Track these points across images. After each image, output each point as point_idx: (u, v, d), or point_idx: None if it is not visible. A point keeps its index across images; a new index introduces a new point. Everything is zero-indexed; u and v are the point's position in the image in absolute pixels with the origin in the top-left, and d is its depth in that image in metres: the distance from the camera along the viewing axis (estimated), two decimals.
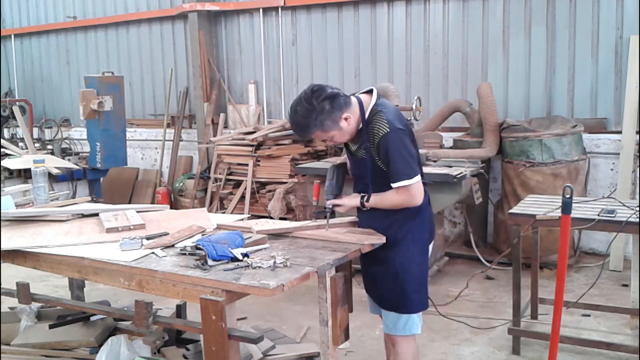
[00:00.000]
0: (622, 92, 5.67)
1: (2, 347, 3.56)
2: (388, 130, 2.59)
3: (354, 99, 2.70)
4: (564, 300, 3.02)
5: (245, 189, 6.60)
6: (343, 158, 2.99)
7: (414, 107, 5.39)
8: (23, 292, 3.28)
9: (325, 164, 5.51)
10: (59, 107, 9.87)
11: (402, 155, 2.60)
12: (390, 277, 2.74)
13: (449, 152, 5.53)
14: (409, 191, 2.63)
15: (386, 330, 2.87)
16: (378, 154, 2.65)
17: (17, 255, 2.94)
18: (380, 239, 2.74)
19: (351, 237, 2.76)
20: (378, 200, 2.73)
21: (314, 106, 2.59)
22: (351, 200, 2.83)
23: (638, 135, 5.43)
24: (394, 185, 2.64)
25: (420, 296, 2.78)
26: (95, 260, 2.68)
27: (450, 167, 4.97)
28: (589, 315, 4.30)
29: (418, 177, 2.65)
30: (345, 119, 2.64)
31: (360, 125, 2.69)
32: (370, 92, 2.75)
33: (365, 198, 2.76)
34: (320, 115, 2.59)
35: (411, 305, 2.76)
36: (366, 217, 2.86)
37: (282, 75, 7.63)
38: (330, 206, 2.85)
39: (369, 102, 2.70)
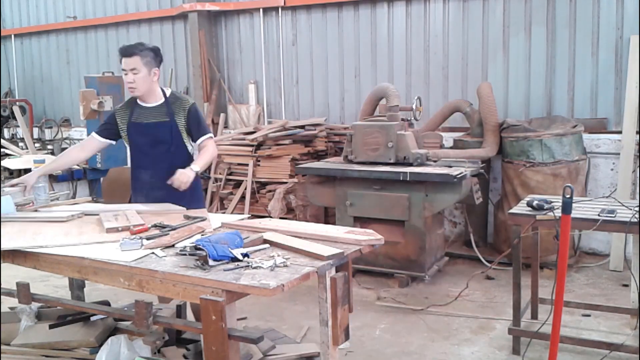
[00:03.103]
0: (622, 92, 5.67)
1: (2, 347, 3.56)
2: (192, 101, 3.70)
3: None
4: (564, 300, 3.02)
5: (245, 189, 6.60)
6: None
7: (414, 107, 5.40)
8: (23, 292, 3.28)
9: (325, 164, 5.52)
10: (59, 107, 9.87)
11: (204, 119, 3.77)
12: None
13: (449, 152, 5.53)
14: (214, 142, 3.70)
15: None
16: (187, 120, 3.61)
17: (17, 255, 2.94)
18: (378, 240, 2.75)
19: (350, 237, 2.76)
20: (202, 161, 3.60)
21: (145, 45, 3.58)
22: (186, 174, 3.46)
23: (638, 135, 5.44)
24: (205, 137, 3.65)
25: None
26: (95, 260, 2.68)
27: (451, 167, 4.97)
28: (589, 315, 4.30)
29: None
30: (155, 74, 3.57)
31: (162, 100, 3.64)
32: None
33: (195, 167, 3.53)
34: (147, 51, 3.52)
35: None
36: (167, 196, 3.59)
37: (282, 75, 7.63)
38: None
39: (167, 90, 3.71)
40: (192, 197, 3.65)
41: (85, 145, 3.87)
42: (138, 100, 3.65)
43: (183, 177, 3.42)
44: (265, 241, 2.82)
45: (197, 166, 3.52)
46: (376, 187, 5.04)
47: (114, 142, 3.86)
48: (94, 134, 3.81)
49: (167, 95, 3.66)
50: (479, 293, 4.93)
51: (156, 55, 3.56)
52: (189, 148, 3.67)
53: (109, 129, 3.77)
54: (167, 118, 3.61)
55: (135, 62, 3.47)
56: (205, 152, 3.64)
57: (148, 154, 3.62)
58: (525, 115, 6.15)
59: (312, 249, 2.62)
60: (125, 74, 3.51)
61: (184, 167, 3.49)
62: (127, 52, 3.48)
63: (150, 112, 3.64)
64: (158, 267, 2.50)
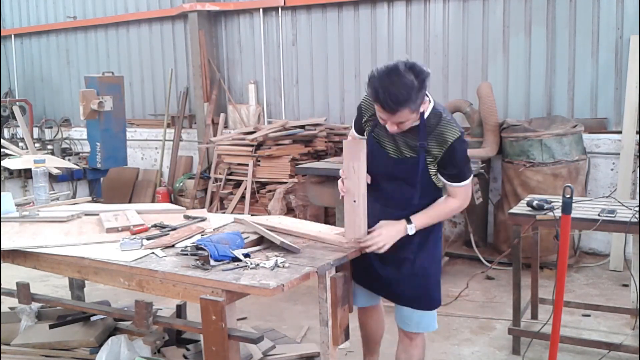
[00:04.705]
0: (622, 92, 5.67)
1: (2, 347, 3.56)
2: (460, 134, 2.55)
3: None
4: (564, 300, 3.02)
5: (245, 189, 6.60)
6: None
7: None
8: (23, 292, 3.28)
9: (326, 163, 5.51)
10: (59, 107, 9.87)
11: (468, 159, 2.66)
12: (414, 277, 2.74)
13: None
14: (467, 190, 2.66)
15: (407, 329, 2.84)
16: (441, 156, 2.56)
17: (17, 255, 2.94)
18: None
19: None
20: (427, 217, 2.61)
21: (414, 82, 2.37)
22: (392, 228, 2.58)
23: (638, 135, 5.44)
24: (458, 185, 2.63)
25: (439, 294, 2.86)
26: (95, 260, 2.68)
27: None
28: (589, 315, 4.30)
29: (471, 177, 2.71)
30: (422, 104, 2.49)
31: (416, 123, 2.55)
32: None
33: (411, 224, 2.57)
34: (419, 93, 2.40)
35: (433, 302, 2.81)
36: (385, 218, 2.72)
37: (282, 75, 7.63)
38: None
39: (426, 104, 2.57)
40: (423, 243, 2.73)
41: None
42: None
43: (382, 237, 2.57)
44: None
45: (412, 227, 2.59)
46: None
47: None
48: (353, 131, 2.88)
49: (426, 114, 2.56)
50: (479, 293, 4.93)
51: (421, 87, 2.43)
52: (438, 185, 2.70)
53: (360, 131, 2.83)
54: (414, 151, 2.60)
55: (404, 115, 2.43)
56: (442, 203, 2.67)
57: (380, 186, 2.69)
58: (525, 115, 6.15)
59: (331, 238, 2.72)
60: (383, 121, 2.51)
61: (417, 209, 2.65)
62: (390, 108, 2.38)
63: (399, 136, 2.60)
64: (158, 267, 2.50)
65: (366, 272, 2.85)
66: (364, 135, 2.81)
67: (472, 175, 2.69)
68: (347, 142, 2.68)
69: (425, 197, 2.67)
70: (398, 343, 2.96)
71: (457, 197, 2.66)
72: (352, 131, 2.90)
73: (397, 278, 2.75)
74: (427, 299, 2.79)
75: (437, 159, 2.57)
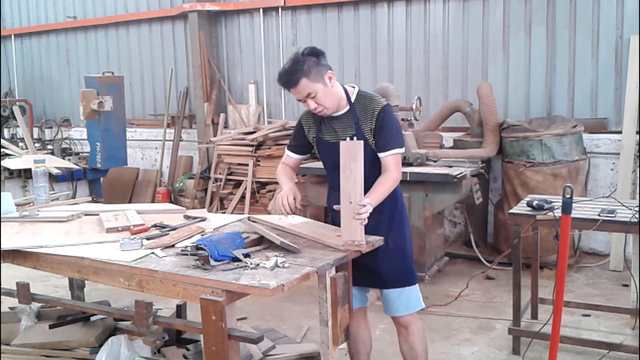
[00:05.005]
0: (622, 92, 5.67)
1: (2, 347, 3.56)
2: (385, 102, 2.84)
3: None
4: (564, 300, 3.02)
5: (245, 189, 6.60)
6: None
7: (414, 107, 5.39)
8: (23, 292, 3.28)
9: None
10: (59, 107, 9.87)
11: (397, 126, 2.86)
12: (391, 256, 2.89)
13: (449, 152, 5.53)
14: (397, 160, 2.82)
15: (398, 313, 2.96)
16: (374, 127, 2.79)
17: (17, 255, 2.94)
18: (379, 241, 2.76)
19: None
20: (378, 194, 2.74)
21: (300, 58, 2.74)
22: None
23: (638, 135, 5.44)
24: (389, 152, 2.80)
25: (414, 268, 3.01)
26: (95, 260, 2.68)
27: (450, 167, 4.96)
28: (589, 315, 4.30)
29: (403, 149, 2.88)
30: (330, 78, 2.79)
31: (347, 108, 2.85)
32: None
33: (366, 200, 2.64)
34: (307, 63, 2.72)
35: (414, 277, 2.97)
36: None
37: None
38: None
39: (352, 90, 2.91)
40: (392, 221, 2.90)
41: (286, 163, 3.14)
42: None
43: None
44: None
45: (368, 200, 2.63)
46: None
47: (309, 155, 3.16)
48: (287, 151, 3.12)
49: (353, 98, 2.85)
50: (479, 293, 4.93)
51: (318, 57, 2.76)
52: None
53: (298, 145, 3.08)
54: (352, 130, 2.80)
55: (307, 87, 2.72)
56: (382, 180, 2.77)
57: (336, 176, 2.70)
58: (525, 115, 6.15)
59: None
60: (304, 102, 2.78)
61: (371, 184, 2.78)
62: (289, 82, 2.73)
63: (336, 124, 2.86)
64: (158, 267, 2.50)
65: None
66: (301, 154, 3.09)
67: (402, 148, 2.84)
68: (344, 143, 2.66)
69: (375, 173, 2.83)
70: (398, 337, 3.04)
71: (390, 168, 2.80)
72: (287, 152, 3.12)
73: (377, 261, 2.86)
74: (409, 274, 2.95)
75: (372, 130, 2.80)
